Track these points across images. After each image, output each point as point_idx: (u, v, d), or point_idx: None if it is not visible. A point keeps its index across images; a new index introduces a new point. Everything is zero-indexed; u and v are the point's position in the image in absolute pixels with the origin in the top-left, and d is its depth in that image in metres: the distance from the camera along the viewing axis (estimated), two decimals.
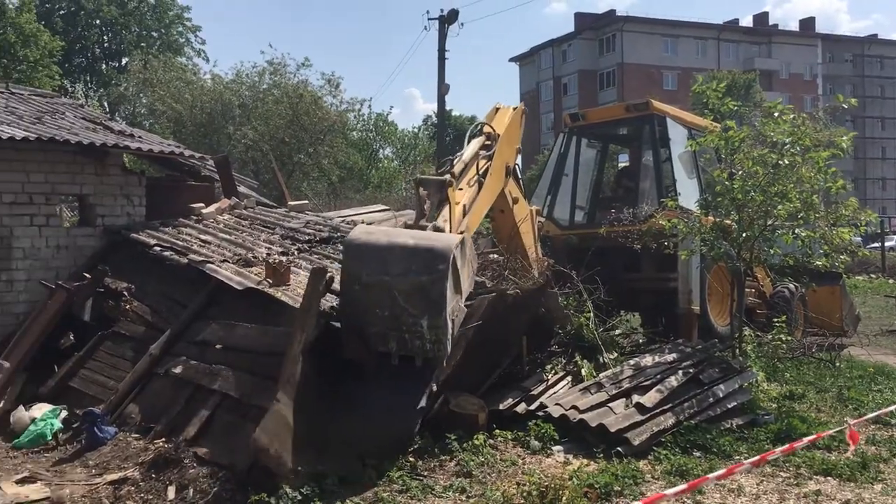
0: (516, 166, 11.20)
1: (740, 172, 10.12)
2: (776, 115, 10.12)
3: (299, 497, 6.06)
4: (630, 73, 73.85)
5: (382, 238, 7.01)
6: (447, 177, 8.56)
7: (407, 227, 7.85)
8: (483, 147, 10.05)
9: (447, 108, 31.68)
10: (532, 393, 8.43)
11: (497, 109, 10.94)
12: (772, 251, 10.78)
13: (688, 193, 12.05)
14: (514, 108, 11.15)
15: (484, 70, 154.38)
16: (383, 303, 6.83)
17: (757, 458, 6.76)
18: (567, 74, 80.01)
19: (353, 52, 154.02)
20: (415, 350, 6.91)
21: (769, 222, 10.13)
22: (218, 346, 8.36)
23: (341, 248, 7.08)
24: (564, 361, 9.11)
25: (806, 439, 7.25)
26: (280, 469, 6.22)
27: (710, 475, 6.18)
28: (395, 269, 6.76)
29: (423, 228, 7.67)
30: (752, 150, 10.15)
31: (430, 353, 6.92)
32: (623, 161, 17.13)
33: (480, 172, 9.65)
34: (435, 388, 7.41)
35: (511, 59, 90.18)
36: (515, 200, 11.13)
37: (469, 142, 10.05)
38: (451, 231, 8.22)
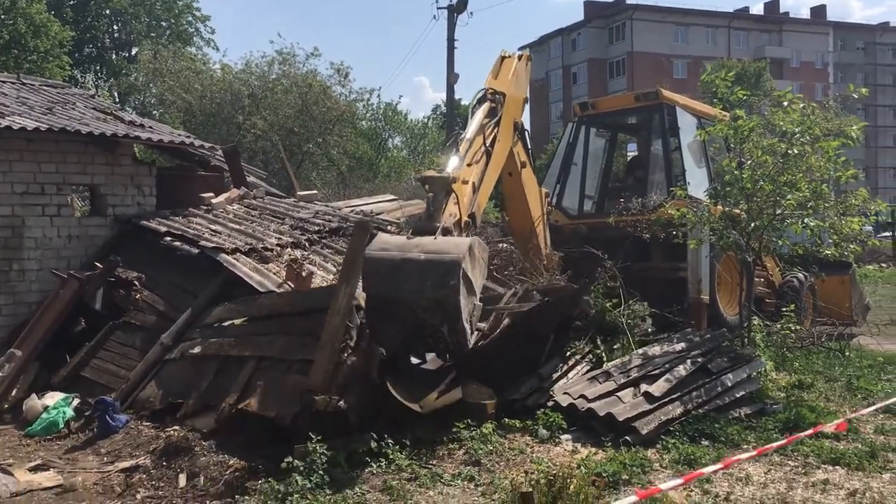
0: (524, 127, 11.09)
1: (749, 162, 10.08)
2: (786, 104, 10.06)
3: (309, 484, 6.11)
4: (640, 62, 73.44)
5: (396, 254, 7.26)
6: (451, 173, 8.57)
7: (417, 231, 7.91)
8: (489, 112, 9.90)
9: (456, 97, 31.60)
10: (547, 383, 8.47)
11: (503, 59, 10.70)
12: (781, 241, 10.76)
13: (697, 183, 12.02)
14: (520, 57, 10.99)
15: (493, 59, 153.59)
16: (404, 315, 7.18)
17: (753, 452, 6.76)
18: (576, 63, 79.65)
19: (361, 41, 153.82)
20: (439, 350, 7.53)
21: (778, 212, 10.09)
22: (237, 322, 8.43)
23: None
24: (582, 345, 9.16)
25: (803, 433, 7.23)
26: (329, 407, 6.64)
27: (705, 469, 6.18)
28: (410, 286, 7.06)
29: (433, 231, 7.77)
30: (761, 139, 10.10)
31: (455, 352, 7.50)
32: (632, 150, 17.07)
33: (488, 142, 9.55)
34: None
35: (520, 48, 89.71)
36: (523, 165, 11.05)
37: (474, 111, 9.93)
38: (461, 223, 8.37)
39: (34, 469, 7.14)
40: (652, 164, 13.75)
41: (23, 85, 13.20)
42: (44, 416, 8.32)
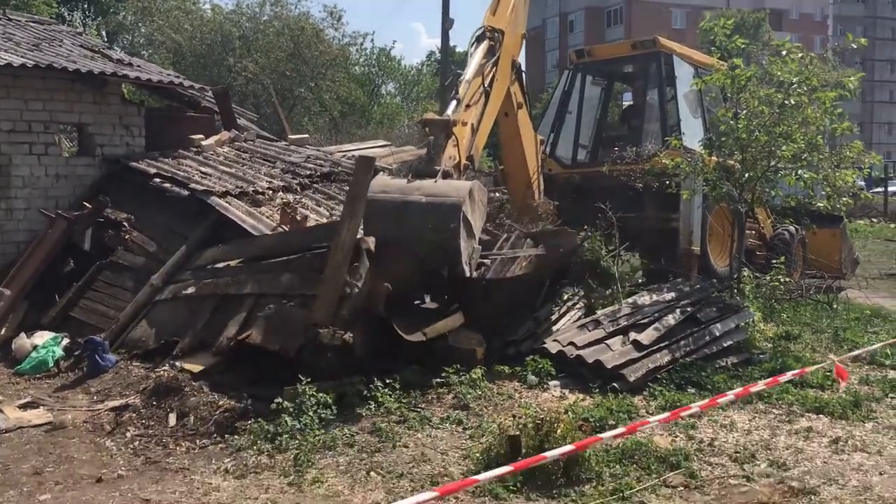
0: (521, 67, 11.08)
1: (745, 112, 10.01)
2: (784, 53, 9.95)
3: (298, 426, 6.16)
4: (638, 11, 72.40)
5: (398, 196, 7.41)
6: (451, 116, 8.51)
7: (417, 174, 7.89)
8: (488, 51, 9.78)
9: (451, 43, 31.03)
10: (543, 327, 8.53)
11: None
12: (774, 192, 10.74)
13: (692, 133, 11.94)
14: None
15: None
16: (405, 255, 7.36)
17: (741, 389, 6.86)
18: (573, 11, 78.46)
19: None
20: (439, 291, 7.70)
21: (772, 163, 10.06)
22: (233, 263, 8.42)
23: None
24: (575, 292, 9.21)
25: (790, 373, 7.34)
26: (334, 341, 6.76)
27: (693, 405, 6.28)
28: (411, 229, 7.30)
29: (434, 174, 7.77)
30: (758, 89, 10.01)
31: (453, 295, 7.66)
32: (627, 100, 16.91)
33: (486, 83, 9.48)
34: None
35: None
36: (520, 106, 11.03)
37: (473, 51, 9.82)
38: (460, 165, 8.39)
39: (24, 406, 7.17)
40: (647, 113, 13.63)
41: (9, 21, 12.90)
42: (33, 354, 8.32)
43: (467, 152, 8.69)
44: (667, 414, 6.21)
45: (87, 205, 9.92)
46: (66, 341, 8.55)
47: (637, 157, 12.15)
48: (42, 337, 8.64)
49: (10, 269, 9.71)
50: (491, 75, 9.62)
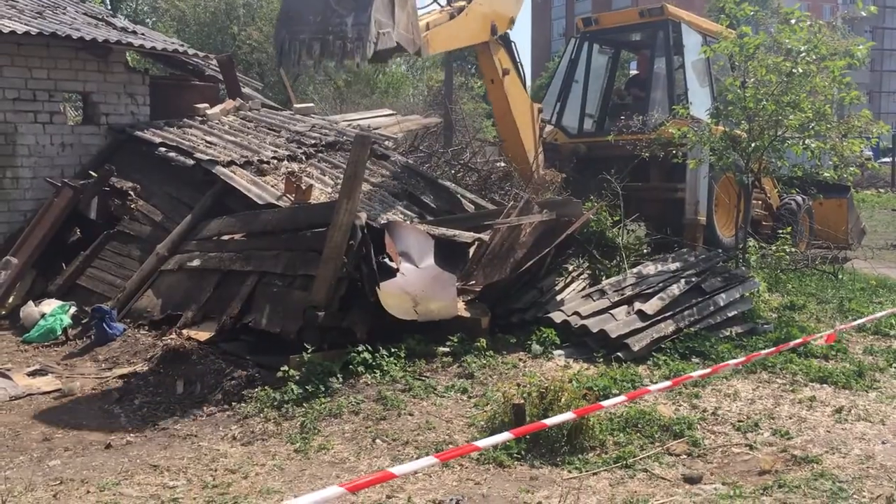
0: (510, 38, 11.55)
1: (753, 81, 9.93)
2: (793, 21, 9.86)
3: (304, 394, 6.21)
4: None
5: None
6: None
7: None
8: None
9: None
10: (547, 296, 8.54)
11: None
12: (781, 162, 10.69)
13: (699, 102, 11.85)
14: None
15: None
16: (316, 7, 7.47)
17: (743, 358, 6.89)
18: None
19: None
20: (335, 52, 7.44)
21: (780, 132, 10.00)
22: (238, 237, 8.45)
23: None
24: (580, 262, 9.22)
25: (792, 343, 7.35)
26: (332, 323, 6.95)
27: (694, 373, 6.32)
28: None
29: None
30: (766, 57, 9.92)
31: (350, 54, 7.45)
32: (634, 70, 16.78)
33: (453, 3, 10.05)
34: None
35: None
36: (506, 72, 11.36)
37: None
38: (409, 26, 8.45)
39: (33, 374, 7.24)
40: (654, 82, 13.52)
41: None
42: (41, 322, 8.38)
43: (415, 30, 8.69)
44: (669, 382, 6.25)
45: (93, 174, 9.93)
46: (73, 310, 8.61)
47: (644, 127, 12.09)
48: (50, 305, 8.70)
49: (16, 237, 9.76)
50: (460, 5, 10.13)
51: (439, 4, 10.14)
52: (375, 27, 7.44)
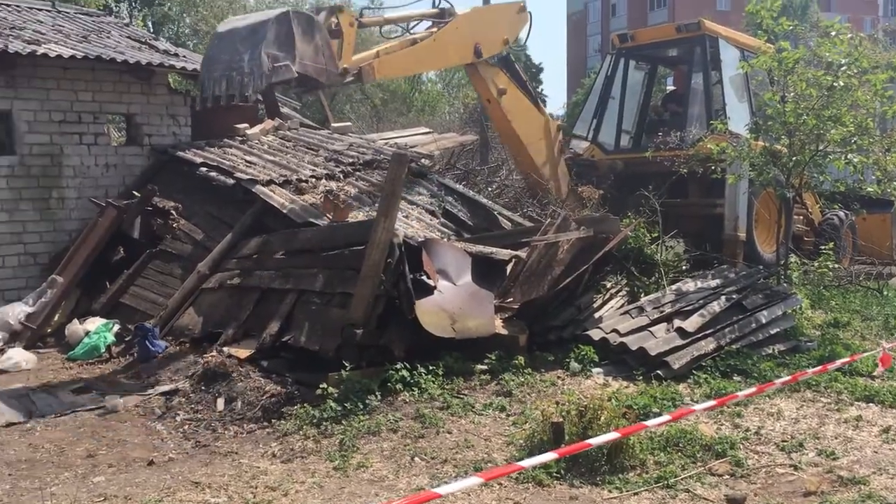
0: (511, 58, 12.27)
1: (793, 95, 9.83)
2: (833, 34, 9.75)
3: (343, 411, 6.24)
4: None
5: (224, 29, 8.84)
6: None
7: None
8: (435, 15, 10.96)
9: None
10: (584, 314, 8.50)
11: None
12: (822, 177, 10.54)
13: (738, 117, 11.76)
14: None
15: None
16: (227, 49, 8.47)
17: (789, 377, 6.77)
18: None
19: None
20: (237, 88, 8.29)
21: (821, 147, 9.87)
22: (277, 255, 8.55)
23: None
24: (618, 279, 9.16)
25: (839, 361, 7.21)
26: (370, 341, 7.06)
27: (739, 393, 6.22)
28: (242, 25, 8.63)
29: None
30: (806, 71, 9.82)
31: (246, 87, 8.28)
32: (670, 85, 16.70)
33: (410, 29, 10.79)
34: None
35: None
36: (502, 91, 11.75)
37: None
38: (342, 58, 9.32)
39: (77, 391, 7.36)
40: (692, 97, 13.44)
41: (58, 13, 13.17)
42: (85, 340, 8.53)
43: (353, 59, 9.52)
44: (713, 402, 6.15)
45: (136, 194, 10.11)
46: (116, 327, 8.75)
47: (681, 143, 12.01)
48: (94, 323, 8.86)
49: (62, 256, 9.96)
50: (425, 35, 10.66)
51: (410, 33, 10.79)
52: (269, 61, 8.27)
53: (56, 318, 9.31)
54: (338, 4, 10.06)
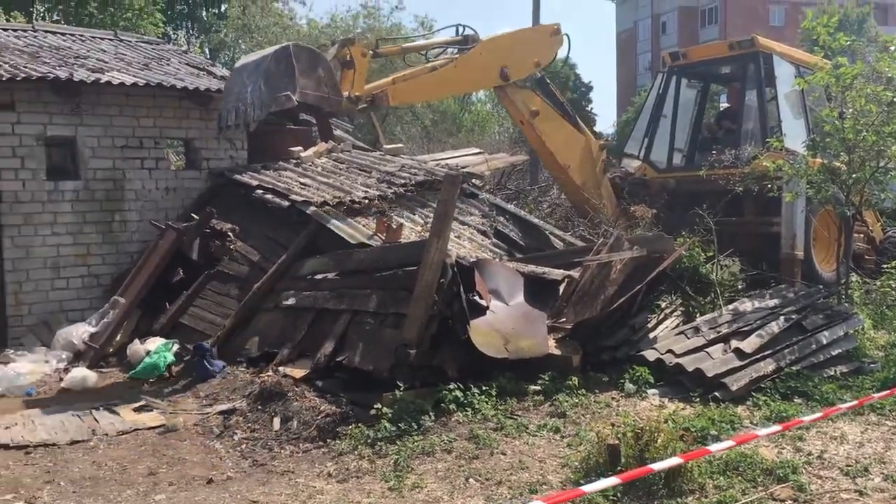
0: (546, 79, 12.65)
1: (851, 111, 9.65)
2: (892, 49, 9.58)
3: (396, 429, 6.27)
4: (733, 9, 70.40)
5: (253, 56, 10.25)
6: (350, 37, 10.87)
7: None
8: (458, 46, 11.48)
9: None
10: (639, 335, 8.43)
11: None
12: (884, 194, 10.32)
13: (794, 134, 11.58)
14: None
15: (580, 10, 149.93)
16: (239, 83, 9.67)
17: (855, 402, 6.60)
18: (666, 12, 76.89)
19: None
20: (242, 118, 9.69)
21: (882, 164, 9.68)
22: (331, 276, 8.67)
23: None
24: (673, 299, 9.06)
25: None
26: (423, 361, 7.13)
27: (805, 418, 6.08)
28: (251, 60, 9.87)
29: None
30: (865, 87, 9.64)
31: (249, 117, 9.69)
32: (723, 102, 16.52)
33: (429, 57, 11.31)
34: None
35: None
36: (535, 113, 12.00)
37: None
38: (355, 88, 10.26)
39: (138, 409, 7.52)
40: (745, 115, 13.28)
41: (120, 42, 13.59)
42: (146, 360, 8.71)
43: (365, 88, 10.38)
44: (777, 426, 6.01)
45: (195, 216, 10.33)
46: (176, 347, 8.92)
47: (736, 160, 11.87)
48: (154, 343, 9.05)
49: (124, 278, 10.21)
50: (446, 61, 11.16)
51: (430, 60, 11.47)
52: (269, 92, 9.42)
53: (118, 337, 9.54)
54: (349, 37, 10.83)
